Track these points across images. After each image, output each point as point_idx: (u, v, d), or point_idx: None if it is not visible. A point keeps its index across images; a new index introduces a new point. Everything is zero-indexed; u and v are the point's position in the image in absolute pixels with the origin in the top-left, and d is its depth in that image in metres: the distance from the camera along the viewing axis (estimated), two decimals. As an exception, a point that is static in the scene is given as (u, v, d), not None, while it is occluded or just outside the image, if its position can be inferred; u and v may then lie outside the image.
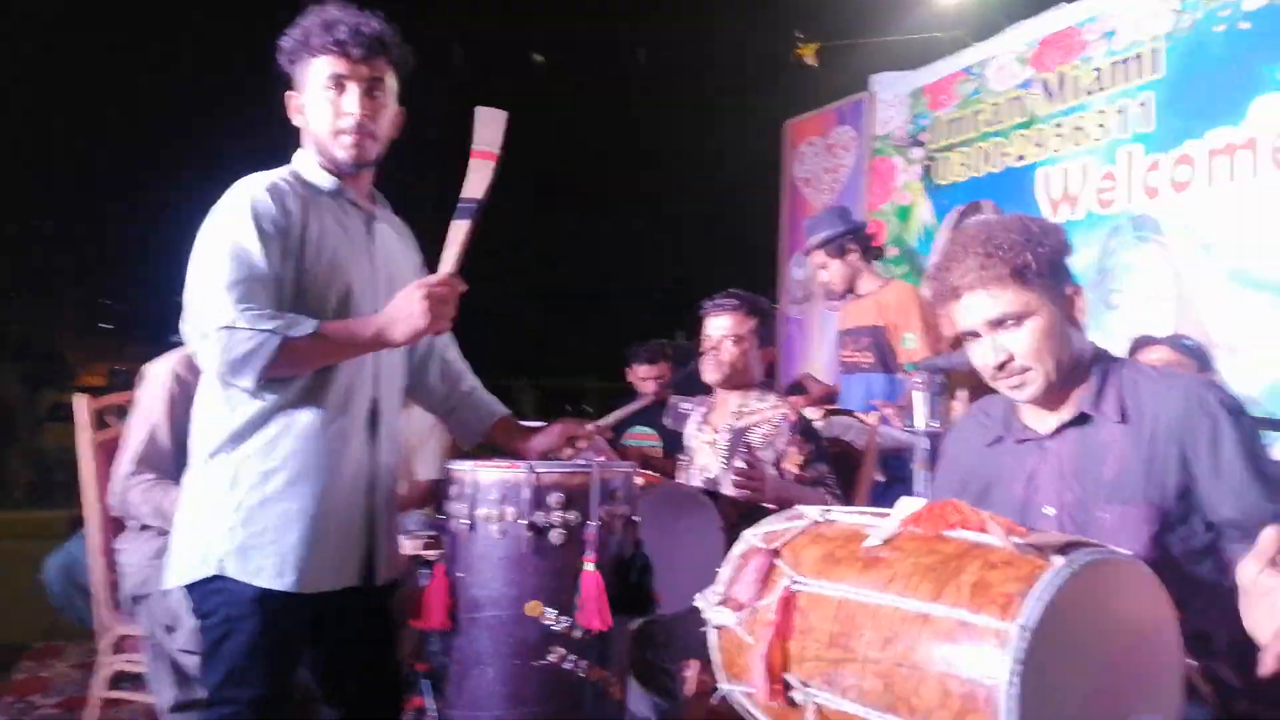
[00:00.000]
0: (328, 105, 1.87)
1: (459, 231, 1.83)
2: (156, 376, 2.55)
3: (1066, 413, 1.68)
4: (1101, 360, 1.69)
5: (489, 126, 1.88)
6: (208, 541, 1.76)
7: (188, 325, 1.75)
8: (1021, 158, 4.42)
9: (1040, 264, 1.62)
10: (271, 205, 1.80)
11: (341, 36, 1.84)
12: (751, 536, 1.60)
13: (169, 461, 2.48)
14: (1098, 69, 4.13)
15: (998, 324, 1.66)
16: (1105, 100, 4.07)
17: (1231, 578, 1.30)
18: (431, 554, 2.38)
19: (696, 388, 4.30)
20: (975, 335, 1.69)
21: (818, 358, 5.27)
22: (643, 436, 4.67)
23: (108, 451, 2.69)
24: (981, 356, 1.70)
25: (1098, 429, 1.65)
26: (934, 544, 1.38)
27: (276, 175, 1.89)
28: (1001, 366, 1.67)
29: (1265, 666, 1.21)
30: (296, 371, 1.77)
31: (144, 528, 2.52)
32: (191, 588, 1.79)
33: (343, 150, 1.88)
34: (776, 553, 1.52)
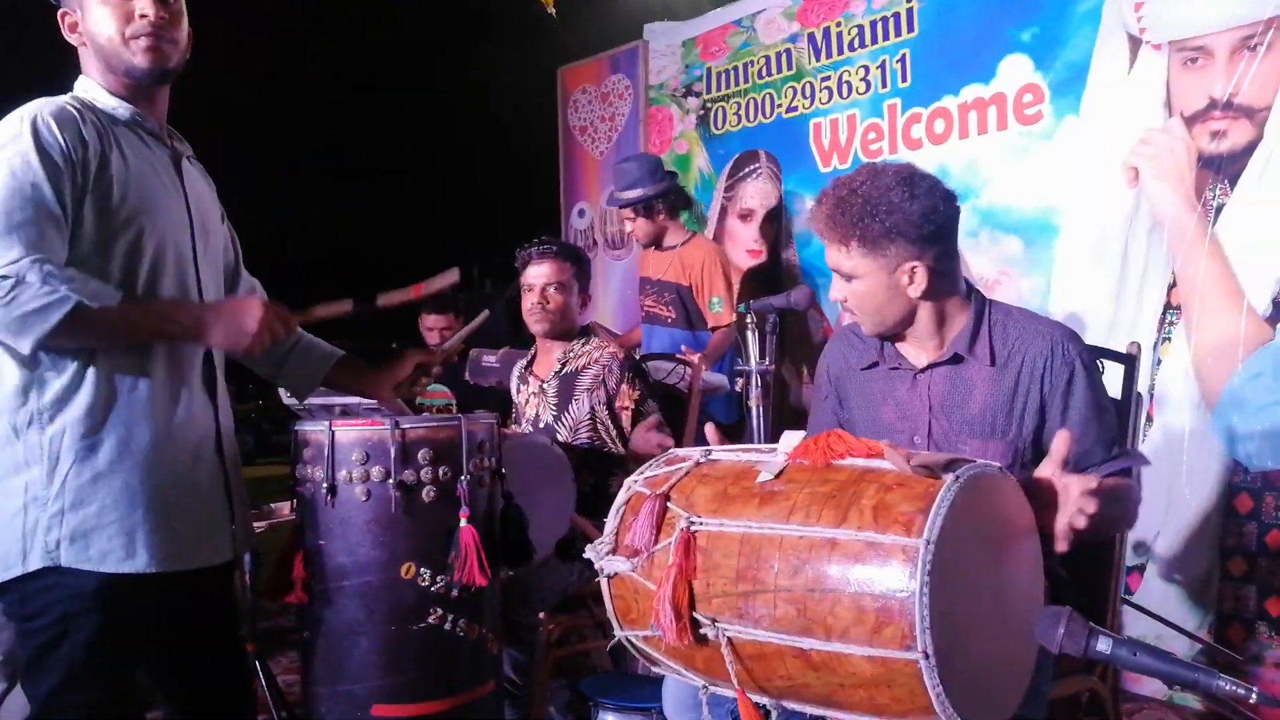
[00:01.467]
0: (116, 9, 1.65)
1: (339, 309, 1.82)
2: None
3: (940, 352, 1.79)
4: (976, 302, 1.80)
5: (439, 284, 1.91)
6: (28, 532, 1.54)
7: None
8: (793, 109, 4.63)
9: (870, 236, 1.70)
10: (60, 133, 1.57)
11: None
12: (634, 484, 1.61)
13: None
14: (859, 26, 4.38)
15: (836, 271, 1.79)
16: (867, 56, 4.34)
17: None
18: (258, 524, 2.22)
19: (488, 339, 4.23)
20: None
21: (604, 306, 5.32)
22: (436, 395, 4.56)
23: None
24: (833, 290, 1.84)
25: (967, 368, 1.77)
26: (825, 473, 1.44)
27: (64, 100, 1.64)
28: (845, 304, 1.82)
29: (1058, 547, 1.49)
30: (83, 344, 1.56)
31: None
32: (7, 588, 1.56)
33: (139, 54, 1.67)
34: (666, 496, 1.53)
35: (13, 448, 1.57)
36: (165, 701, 1.79)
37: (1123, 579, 1.98)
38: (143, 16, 1.65)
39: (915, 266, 1.72)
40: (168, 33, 1.69)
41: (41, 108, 1.60)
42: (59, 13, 1.70)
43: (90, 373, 1.58)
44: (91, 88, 1.70)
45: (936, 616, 1.24)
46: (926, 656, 1.23)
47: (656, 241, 3.99)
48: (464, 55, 7.66)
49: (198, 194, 1.80)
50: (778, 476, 1.47)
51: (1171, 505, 3.13)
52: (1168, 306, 3.23)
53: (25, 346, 1.49)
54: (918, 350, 1.82)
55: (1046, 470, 1.50)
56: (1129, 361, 2.04)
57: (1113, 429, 1.75)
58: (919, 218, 1.69)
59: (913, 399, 1.81)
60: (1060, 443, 1.50)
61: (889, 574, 1.28)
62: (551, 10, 5.84)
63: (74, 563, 1.54)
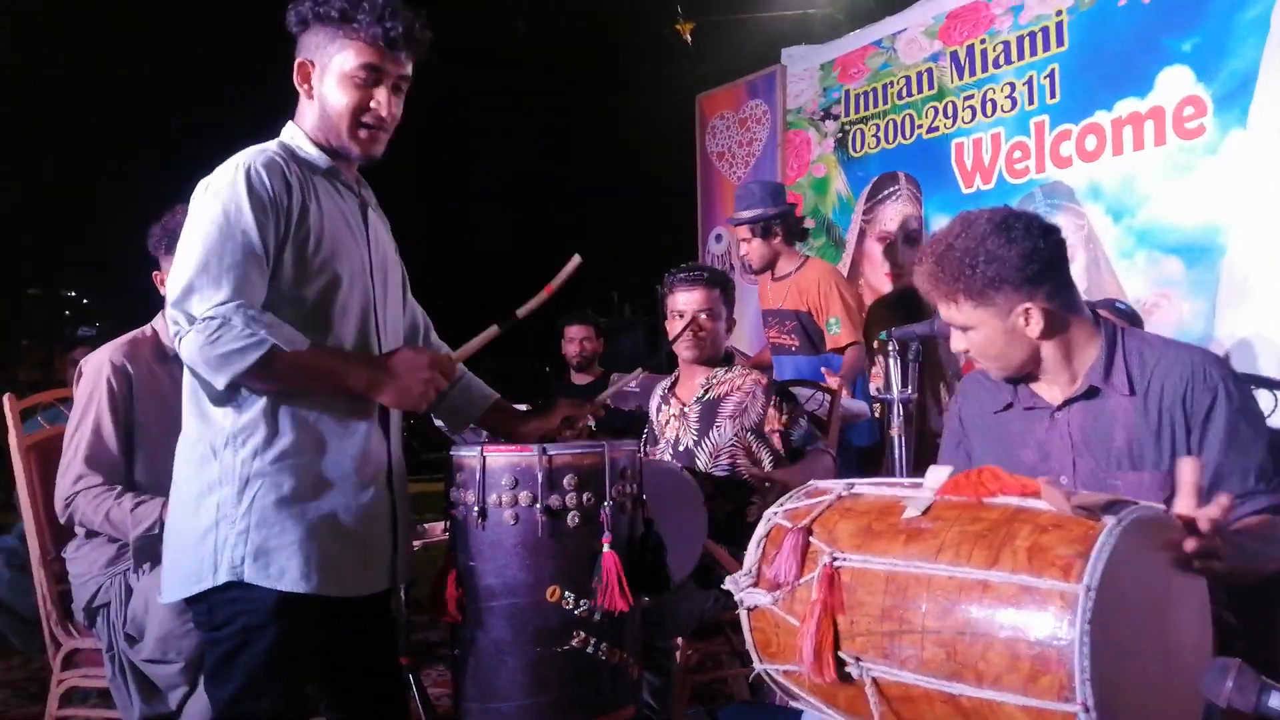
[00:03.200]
0: (355, 92, 1.76)
1: (489, 336, 1.89)
2: (96, 370, 2.37)
3: (1076, 386, 1.73)
4: (1106, 330, 1.74)
5: (565, 274, 1.96)
6: (219, 548, 1.64)
7: (172, 307, 1.63)
8: (934, 129, 4.54)
9: (975, 289, 1.68)
10: (270, 182, 1.68)
11: (394, 35, 1.74)
12: (774, 516, 1.60)
13: (117, 463, 2.32)
14: (1005, 42, 4.27)
15: (951, 325, 1.79)
16: (1014, 73, 4.22)
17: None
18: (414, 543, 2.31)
19: (628, 364, 4.28)
20: None
21: (739, 330, 5.32)
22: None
23: (40, 454, 2.50)
24: (953, 342, 1.84)
25: (1106, 400, 1.71)
26: (976, 511, 1.40)
27: (271, 149, 1.76)
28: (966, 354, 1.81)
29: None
30: (268, 386, 1.66)
31: (91, 534, 2.35)
32: (198, 598, 1.67)
33: (358, 143, 1.79)
34: (809, 530, 1.52)
35: (209, 467, 1.68)
36: (328, 710, 1.89)
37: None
38: (378, 108, 1.76)
39: (1029, 308, 1.69)
40: (388, 125, 1.80)
41: (254, 158, 1.70)
42: (298, 61, 1.79)
43: (282, 404, 1.68)
44: (298, 135, 1.81)
45: (1097, 667, 1.19)
46: (1087, 710, 1.18)
47: (770, 266, 3.99)
48: (603, 83, 7.81)
49: (380, 241, 1.90)
50: (925, 513, 1.44)
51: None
52: (1348, 333, 3.01)
53: (220, 382, 1.61)
54: (1050, 386, 1.77)
55: (1182, 507, 1.43)
56: (1307, 395, 1.92)
57: (1256, 458, 1.63)
58: (1020, 261, 1.66)
59: (1053, 438, 1.75)
60: (1186, 472, 1.44)
61: (1046, 620, 1.23)
62: (687, 38, 5.91)
63: (255, 579, 1.63)
